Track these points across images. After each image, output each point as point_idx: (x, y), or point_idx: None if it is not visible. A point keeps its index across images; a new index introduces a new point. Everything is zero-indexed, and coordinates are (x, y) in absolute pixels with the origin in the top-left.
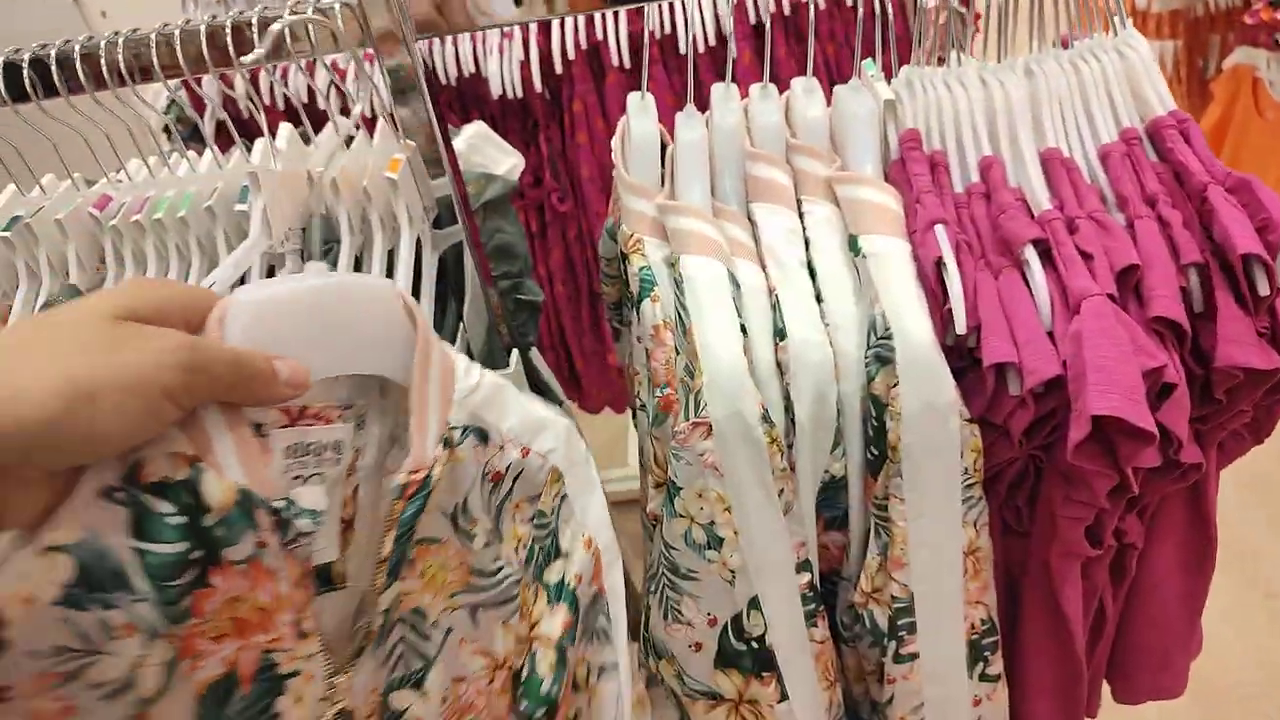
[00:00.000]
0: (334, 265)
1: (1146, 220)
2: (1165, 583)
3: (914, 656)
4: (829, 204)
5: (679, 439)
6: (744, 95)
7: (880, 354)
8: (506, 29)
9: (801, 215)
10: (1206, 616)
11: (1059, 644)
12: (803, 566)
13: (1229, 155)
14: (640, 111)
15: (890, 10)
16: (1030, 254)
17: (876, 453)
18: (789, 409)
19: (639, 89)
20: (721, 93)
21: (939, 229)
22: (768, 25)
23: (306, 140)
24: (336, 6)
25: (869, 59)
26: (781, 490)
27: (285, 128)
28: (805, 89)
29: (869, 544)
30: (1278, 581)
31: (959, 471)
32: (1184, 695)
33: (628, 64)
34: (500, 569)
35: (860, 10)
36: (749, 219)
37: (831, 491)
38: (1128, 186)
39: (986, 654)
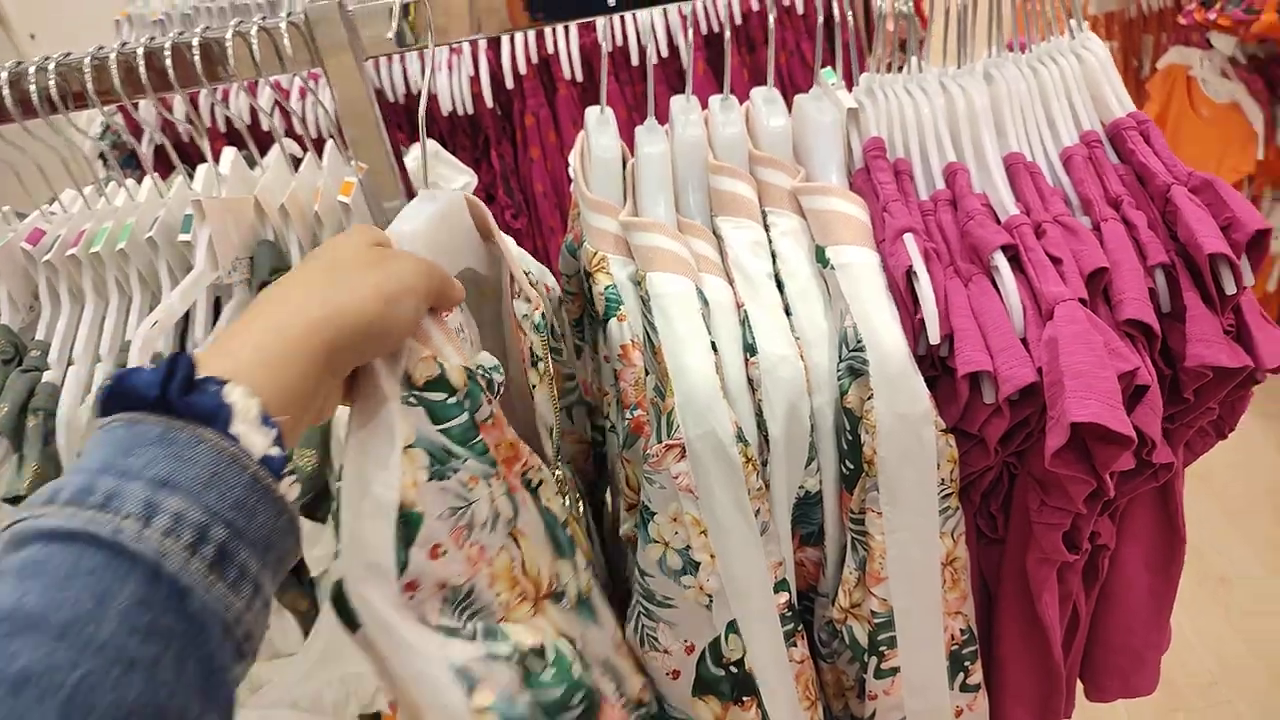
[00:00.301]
0: None
1: (1113, 223)
2: (1135, 583)
3: (895, 671)
4: (795, 215)
5: (651, 462)
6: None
7: (853, 366)
8: (455, 45)
9: (767, 227)
10: None
11: (1036, 650)
12: (780, 586)
13: None
14: (600, 126)
15: (848, 17)
16: (1000, 260)
17: (851, 466)
18: (761, 426)
19: (591, 102)
20: (682, 105)
21: (908, 238)
22: (727, 35)
23: (252, 164)
24: (283, 25)
25: (828, 67)
26: (758, 510)
27: (229, 152)
28: (766, 99)
29: (846, 559)
30: (1230, 570)
31: (935, 483)
32: None
33: (579, 77)
34: (574, 374)
35: (819, 17)
36: (714, 233)
37: (806, 507)
38: (1091, 189)
39: (966, 664)
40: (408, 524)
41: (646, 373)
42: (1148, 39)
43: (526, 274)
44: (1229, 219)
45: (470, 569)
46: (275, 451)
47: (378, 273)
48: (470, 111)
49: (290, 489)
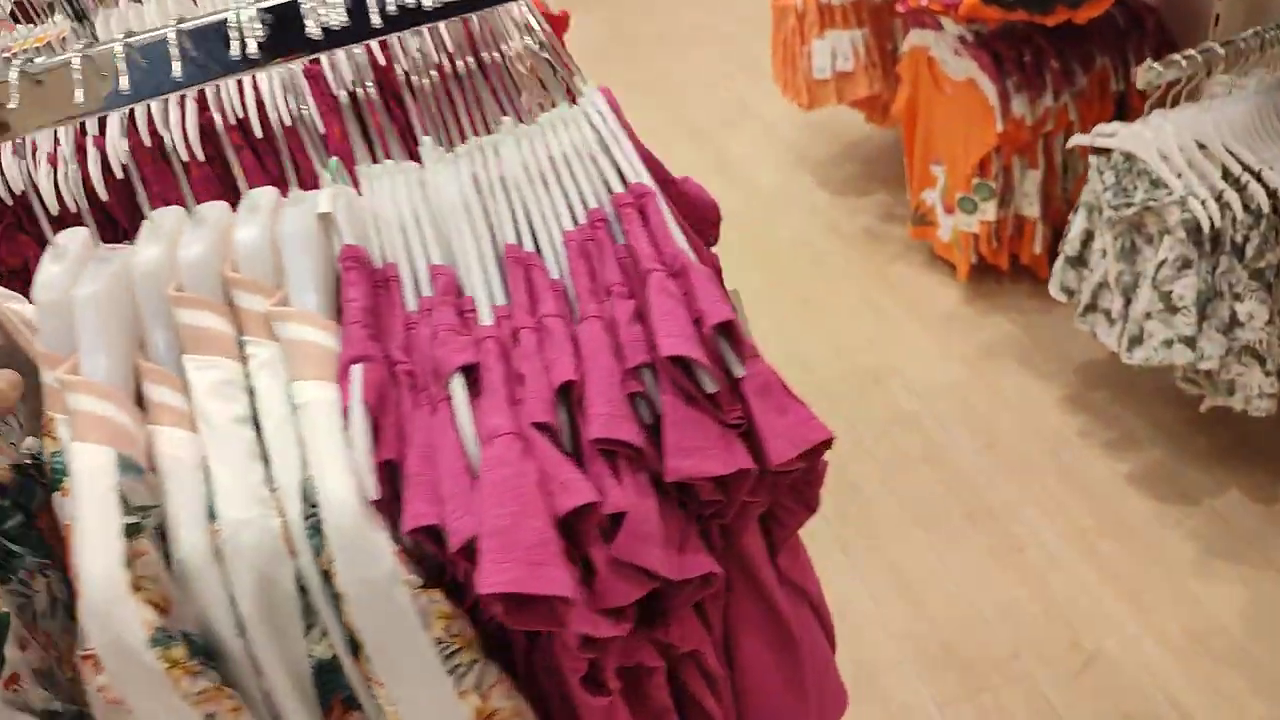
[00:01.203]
0: None
1: (591, 321)
2: (765, 672)
3: None
4: (273, 344)
5: (82, 674)
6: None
7: (315, 524)
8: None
9: (246, 360)
10: (956, 582)
11: None
12: None
13: (923, 131)
14: (53, 258)
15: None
16: (457, 385)
17: (348, 633)
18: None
19: (229, 180)
20: (150, 225)
21: (355, 370)
22: (354, 95)
23: None
24: None
25: (334, 158)
26: (213, 714)
27: None
28: (249, 205)
29: None
30: (1022, 535)
31: (430, 645)
32: (945, 670)
33: (200, 156)
34: None
35: (409, 82)
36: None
37: (330, 674)
38: (581, 281)
39: None
40: None
41: None
42: (896, 22)
43: None
44: (698, 312)
45: (45, 654)
46: None
47: None
48: (88, 207)
49: None
